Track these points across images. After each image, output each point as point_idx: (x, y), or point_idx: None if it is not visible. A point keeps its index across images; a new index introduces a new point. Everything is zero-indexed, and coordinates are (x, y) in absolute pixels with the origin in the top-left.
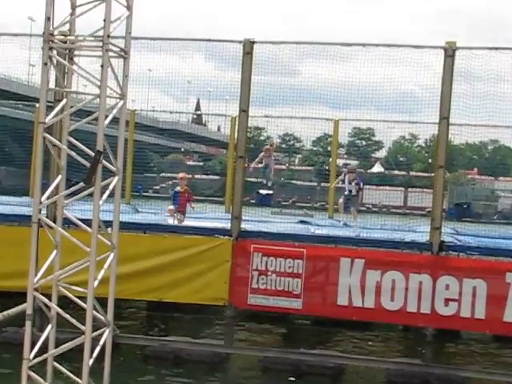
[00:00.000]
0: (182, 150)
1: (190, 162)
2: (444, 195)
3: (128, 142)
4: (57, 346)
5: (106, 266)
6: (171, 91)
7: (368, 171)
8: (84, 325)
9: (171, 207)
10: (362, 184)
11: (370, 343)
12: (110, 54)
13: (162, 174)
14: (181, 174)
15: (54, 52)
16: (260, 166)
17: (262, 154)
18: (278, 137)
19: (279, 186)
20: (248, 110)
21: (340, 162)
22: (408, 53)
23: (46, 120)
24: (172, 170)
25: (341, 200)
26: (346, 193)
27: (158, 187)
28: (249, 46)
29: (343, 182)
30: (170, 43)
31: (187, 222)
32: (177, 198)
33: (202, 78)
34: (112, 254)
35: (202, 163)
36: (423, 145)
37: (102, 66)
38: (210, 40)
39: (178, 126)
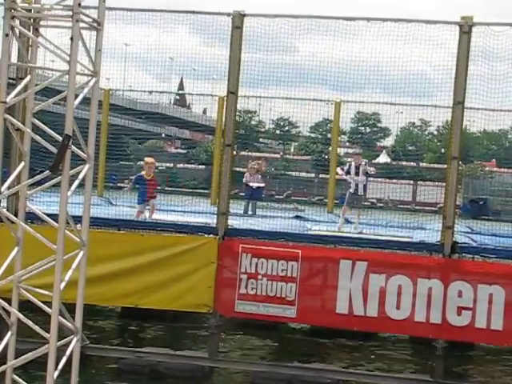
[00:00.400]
0: (163, 135)
1: (172, 150)
2: (458, 190)
3: (101, 125)
4: (17, 356)
5: (74, 266)
6: (151, 69)
7: (373, 162)
8: (48, 332)
9: (138, 209)
10: (370, 169)
11: (372, 357)
12: (81, 25)
13: (139, 163)
14: (149, 159)
15: (17, 22)
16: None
17: (247, 174)
18: (272, 122)
19: (272, 178)
20: (237, 91)
21: (341, 150)
22: (419, 29)
23: (7, 99)
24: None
25: (345, 206)
26: (352, 190)
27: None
28: (239, 20)
29: (348, 173)
30: (150, 15)
31: (167, 217)
32: (142, 185)
33: (186, 55)
34: (81, 253)
35: (185, 151)
36: (435, 132)
37: (71, 38)
38: (194, 12)
39: (159, 108)
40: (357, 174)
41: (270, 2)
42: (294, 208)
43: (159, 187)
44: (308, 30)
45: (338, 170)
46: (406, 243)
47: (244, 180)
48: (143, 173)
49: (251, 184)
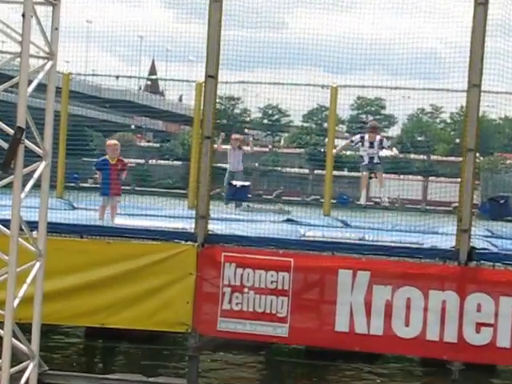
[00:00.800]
0: (133, 126)
1: (143, 143)
2: (475, 187)
3: (60, 115)
4: None
5: (29, 279)
6: (117, 50)
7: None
8: (0, 357)
9: (102, 203)
10: (387, 143)
11: (378, 382)
12: None
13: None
14: (111, 141)
15: None
16: (225, 147)
17: (229, 147)
18: (259, 110)
19: (260, 176)
20: (217, 74)
21: (339, 142)
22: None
23: None
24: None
25: (364, 173)
26: (366, 162)
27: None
28: None
29: (359, 143)
30: None
31: (137, 222)
32: (106, 170)
33: (158, 33)
34: (38, 264)
35: (158, 144)
36: (448, 120)
37: (23, 15)
38: None
39: (127, 95)
40: (371, 147)
41: None
42: (279, 209)
43: (128, 187)
44: (298, 3)
45: (347, 141)
46: (415, 249)
47: (228, 158)
48: (106, 157)
49: (234, 182)
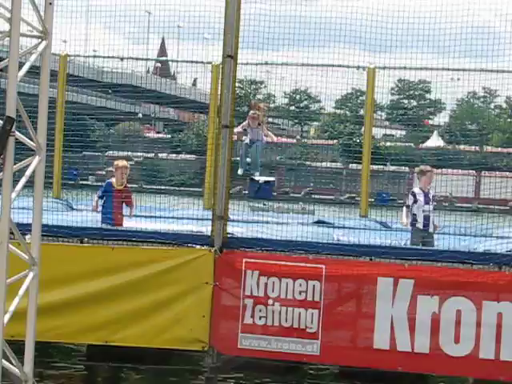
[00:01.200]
0: (140, 115)
1: (152, 134)
2: None
3: (57, 103)
4: None
5: (21, 291)
6: (122, 27)
7: (421, 146)
8: None
9: (96, 199)
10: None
11: None
12: None
13: (108, 153)
14: (120, 161)
15: None
16: (243, 138)
17: (246, 122)
18: (284, 95)
19: (286, 171)
20: (237, 54)
21: (378, 131)
22: None
23: None
24: (124, 146)
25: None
26: (421, 225)
27: (103, 172)
28: None
29: (415, 202)
30: None
31: (146, 224)
32: (110, 195)
33: (168, 7)
34: (31, 274)
35: (169, 135)
36: (504, 105)
37: None
38: None
39: (133, 79)
40: (427, 202)
41: None
42: (302, 209)
43: (135, 185)
44: None
45: (403, 215)
46: (466, 254)
47: (239, 134)
48: (113, 179)
49: (257, 178)
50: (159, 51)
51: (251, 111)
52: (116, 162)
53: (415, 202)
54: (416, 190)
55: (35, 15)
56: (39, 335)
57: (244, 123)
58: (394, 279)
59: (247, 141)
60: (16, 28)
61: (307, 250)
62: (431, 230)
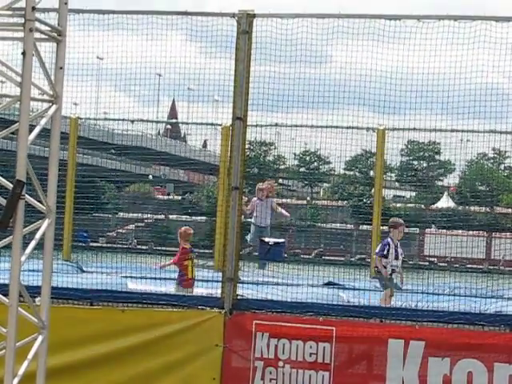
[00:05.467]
0: (150, 177)
1: (162, 196)
2: None
3: (68, 166)
4: None
5: (30, 355)
6: (133, 89)
7: (431, 207)
8: None
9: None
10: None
11: None
12: (37, 35)
13: (119, 215)
14: (184, 228)
15: None
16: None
17: (255, 199)
18: (295, 156)
19: (296, 232)
20: (246, 116)
21: (388, 193)
22: (490, 28)
23: None
24: (135, 207)
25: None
26: (392, 265)
27: (113, 234)
28: (246, 22)
29: (385, 256)
30: (130, 19)
31: (156, 287)
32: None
33: (179, 70)
34: (40, 338)
35: (179, 197)
36: None
37: (23, 53)
38: (188, 13)
39: (144, 141)
40: (396, 257)
41: (284, 1)
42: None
43: (145, 246)
44: (339, 33)
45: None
46: (477, 315)
47: (249, 209)
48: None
49: (267, 239)
50: (169, 113)
51: (259, 184)
52: (182, 229)
53: (388, 253)
54: (389, 240)
55: (45, 79)
56: None
57: (253, 200)
58: (405, 341)
59: (256, 220)
60: (26, 92)
61: (317, 311)
62: (398, 282)
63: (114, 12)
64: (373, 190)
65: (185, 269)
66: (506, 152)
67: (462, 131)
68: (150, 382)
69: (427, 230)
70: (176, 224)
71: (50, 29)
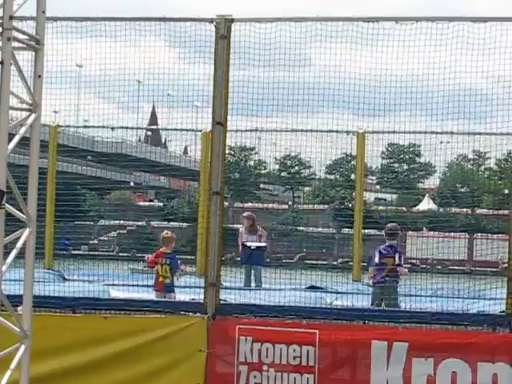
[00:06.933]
0: (131, 183)
1: (143, 203)
2: None
3: (47, 174)
4: None
5: (13, 365)
6: (113, 96)
7: (413, 209)
8: None
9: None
10: (400, 257)
11: None
12: (14, 44)
13: (101, 222)
14: (166, 233)
15: None
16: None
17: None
18: (276, 160)
19: (278, 236)
20: (226, 121)
21: (369, 195)
22: (467, 28)
23: None
24: (116, 215)
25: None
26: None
27: (95, 241)
28: (225, 26)
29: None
30: (109, 25)
31: (138, 294)
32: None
33: (159, 76)
34: (22, 348)
35: (161, 203)
36: (495, 167)
37: (1, 62)
38: (166, 19)
39: (124, 148)
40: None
41: (262, 5)
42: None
43: (127, 254)
44: (318, 38)
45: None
46: (459, 316)
47: (239, 239)
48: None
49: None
50: (150, 119)
51: (245, 213)
52: (164, 234)
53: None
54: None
55: (24, 87)
56: None
57: (241, 229)
58: (388, 343)
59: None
60: (5, 101)
61: (300, 315)
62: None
63: (91, 19)
64: (354, 193)
65: (156, 272)
66: (486, 153)
67: (442, 133)
68: None
69: (409, 233)
70: (157, 230)
71: (27, 37)
